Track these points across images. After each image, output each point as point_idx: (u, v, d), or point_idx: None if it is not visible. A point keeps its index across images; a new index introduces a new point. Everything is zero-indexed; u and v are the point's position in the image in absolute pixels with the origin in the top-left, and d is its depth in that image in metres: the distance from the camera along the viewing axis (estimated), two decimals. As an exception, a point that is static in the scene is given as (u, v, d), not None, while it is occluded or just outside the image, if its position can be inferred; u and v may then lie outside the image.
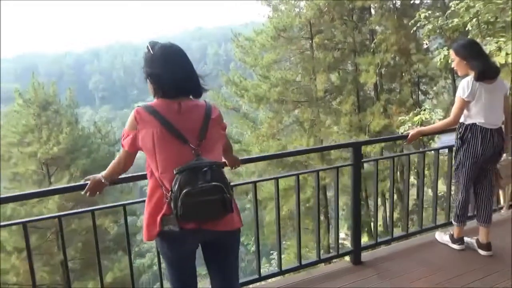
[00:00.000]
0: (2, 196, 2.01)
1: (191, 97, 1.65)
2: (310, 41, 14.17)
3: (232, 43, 15.68)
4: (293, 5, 14.33)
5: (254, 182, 2.61)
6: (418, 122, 6.55)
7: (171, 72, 1.61)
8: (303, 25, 14.11)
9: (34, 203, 10.98)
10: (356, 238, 2.92)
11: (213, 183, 1.48)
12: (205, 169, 1.49)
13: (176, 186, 1.47)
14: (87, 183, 1.86)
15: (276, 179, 2.68)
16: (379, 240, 3.22)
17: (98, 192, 1.88)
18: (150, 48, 1.66)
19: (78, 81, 63.09)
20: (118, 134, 17.65)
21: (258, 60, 14.35)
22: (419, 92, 14.81)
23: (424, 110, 7.11)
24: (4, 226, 2.27)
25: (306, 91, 13.98)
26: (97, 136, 12.21)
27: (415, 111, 7.51)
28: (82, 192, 1.87)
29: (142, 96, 75.77)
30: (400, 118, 7.88)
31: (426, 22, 6.90)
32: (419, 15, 7.03)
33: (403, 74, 13.74)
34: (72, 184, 2.76)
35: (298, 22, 13.96)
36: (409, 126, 6.65)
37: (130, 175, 2.11)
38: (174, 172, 1.48)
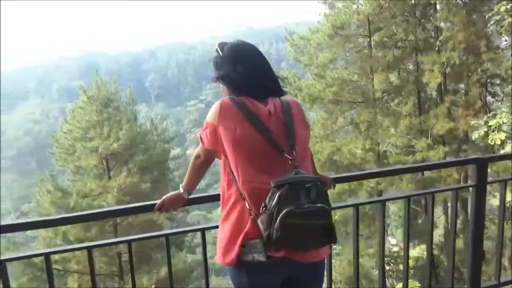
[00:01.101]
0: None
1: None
2: (369, 39, 13.60)
3: (286, 42, 15.45)
4: (351, 1, 13.83)
5: (356, 205, 2.21)
6: (495, 127, 5.94)
7: (245, 71, 1.42)
8: (361, 22, 13.57)
9: (94, 196, 11.51)
10: (474, 276, 2.42)
11: (319, 204, 1.23)
12: (308, 185, 1.23)
13: (273, 202, 1.20)
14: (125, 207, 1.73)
15: (383, 201, 2.30)
16: (502, 280, 2.54)
17: (173, 210, 1.70)
18: (219, 50, 1.49)
19: (136, 79, 65.96)
20: (172, 131, 18.14)
21: (313, 59, 14.01)
22: (486, 94, 13.72)
23: (501, 113, 6.45)
24: (65, 251, 2.22)
25: (363, 91, 13.44)
26: (153, 133, 12.54)
27: (489, 114, 6.84)
28: (154, 210, 1.69)
29: (195, 93, 77.73)
30: (472, 122, 7.23)
31: (506, 16, 6.27)
32: (498, 8, 6.40)
33: (471, 74, 12.77)
34: (84, 212, 2.60)
35: (356, 19, 13.44)
36: (484, 131, 6.06)
37: (209, 194, 1.90)
38: (272, 185, 1.23)
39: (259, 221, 1.26)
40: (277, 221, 1.19)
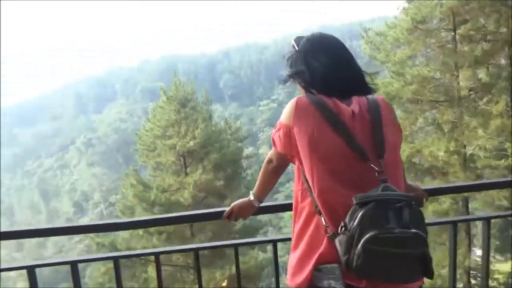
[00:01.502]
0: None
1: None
2: (453, 33, 12.58)
3: (361, 40, 14.90)
4: (434, -6, 12.92)
5: (454, 222, 1.95)
6: None
7: (325, 66, 1.23)
8: (444, 15, 12.61)
9: (172, 192, 12.17)
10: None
11: (413, 230, 1.00)
12: (399, 204, 1.01)
13: (355, 222, 1.01)
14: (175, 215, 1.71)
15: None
16: None
17: (242, 218, 1.59)
18: (295, 45, 1.31)
19: (211, 80, 68.60)
20: (245, 131, 18.50)
21: (390, 56, 13.35)
22: None
23: None
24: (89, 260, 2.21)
25: (446, 90, 12.49)
26: (227, 132, 12.91)
27: None
28: (223, 218, 1.61)
29: (267, 93, 78.63)
30: None
31: None
32: None
33: None
34: (96, 222, 2.59)
35: (438, 12, 12.52)
36: None
37: (281, 203, 1.70)
38: (354, 202, 1.03)
39: (336, 242, 1.08)
40: (359, 246, 1.00)
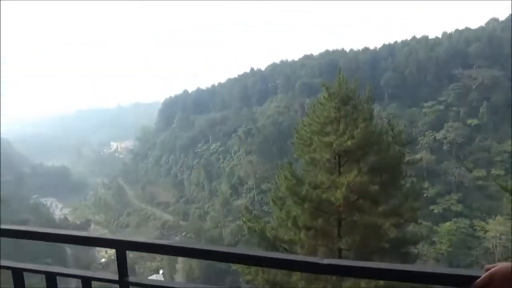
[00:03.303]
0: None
1: None
2: None
3: None
4: None
5: None
6: None
7: None
8: None
9: (324, 189, 11.97)
10: None
11: None
12: None
13: None
14: None
15: None
16: None
17: None
18: None
19: (371, 77, 65.71)
20: (405, 134, 16.94)
21: None
22: None
23: None
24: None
25: None
26: (389, 134, 11.97)
27: None
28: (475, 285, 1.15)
29: (433, 94, 71.26)
30: None
31: None
32: None
33: None
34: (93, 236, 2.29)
35: None
36: None
37: None
38: None
39: None
40: None
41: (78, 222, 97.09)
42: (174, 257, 72.22)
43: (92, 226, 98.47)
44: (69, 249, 77.12)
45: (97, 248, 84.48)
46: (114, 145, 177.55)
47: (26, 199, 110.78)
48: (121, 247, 1.88)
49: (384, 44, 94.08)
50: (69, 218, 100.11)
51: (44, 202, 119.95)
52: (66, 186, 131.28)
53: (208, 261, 62.61)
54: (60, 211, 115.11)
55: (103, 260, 76.06)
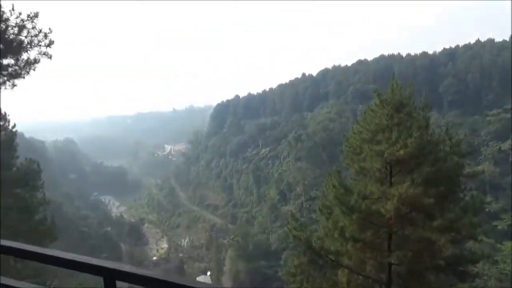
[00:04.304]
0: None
1: None
2: None
3: None
4: None
5: None
6: None
7: None
8: None
9: (373, 200, 11.49)
10: None
11: None
12: None
13: None
14: None
15: None
16: None
17: None
18: None
19: (429, 83, 62.65)
20: (464, 143, 15.85)
21: None
22: None
23: None
24: None
25: None
26: (446, 143, 11.23)
27: None
28: None
29: (499, 101, 66.42)
30: None
31: None
32: None
33: None
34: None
35: None
36: None
37: None
38: None
39: None
40: None
41: (132, 220, 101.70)
42: (221, 259, 73.29)
43: (146, 224, 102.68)
44: (123, 245, 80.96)
45: (149, 246, 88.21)
46: (168, 147, 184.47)
47: (87, 196, 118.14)
48: (109, 274, 1.77)
49: (444, 48, 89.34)
50: (124, 216, 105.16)
51: (103, 200, 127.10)
52: (123, 185, 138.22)
53: (255, 265, 62.93)
54: (116, 209, 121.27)
55: (154, 258, 78.93)
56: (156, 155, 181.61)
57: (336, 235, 11.56)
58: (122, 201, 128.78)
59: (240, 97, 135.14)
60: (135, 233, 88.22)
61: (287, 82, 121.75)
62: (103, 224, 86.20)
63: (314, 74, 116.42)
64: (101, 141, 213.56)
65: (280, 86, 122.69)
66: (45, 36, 10.20)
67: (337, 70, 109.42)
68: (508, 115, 63.62)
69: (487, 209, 44.85)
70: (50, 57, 10.69)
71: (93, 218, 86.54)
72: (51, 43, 10.50)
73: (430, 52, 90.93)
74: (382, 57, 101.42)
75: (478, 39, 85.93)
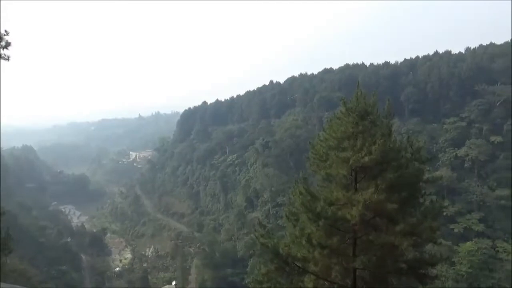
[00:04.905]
0: None
1: None
2: None
3: None
4: None
5: None
6: None
7: None
8: None
9: (339, 206, 11.63)
10: None
11: None
12: None
13: None
14: None
15: None
16: None
17: None
18: None
19: (391, 93, 64.81)
20: (424, 150, 16.45)
21: None
22: None
23: None
24: None
25: None
26: (408, 150, 11.61)
27: None
28: None
29: (455, 110, 69.75)
30: None
31: None
32: None
33: None
34: None
35: None
36: None
37: None
38: None
39: None
40: None
41: (94, 230, 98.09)
42: (187, 268, 71.95)
43: (108, 234, 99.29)
44: (84, 256, 77.84)
45: (112, 256, 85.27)
46: (133, 154, 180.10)
47: (46, 206, 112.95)
48: None
49: (405, 59, 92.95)
50: (86, 226, 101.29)
51: (63, 210, 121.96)
52: (84, 194, 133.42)
53: (221, 273, 62.19)
54: (77, 218, 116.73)
55: (117, 269, 76.40)
56: (120, 162, 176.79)
57: (303, 242, 11.59)
58: (84, 210, 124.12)
59: (208, 103, 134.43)
60: (97, 243, 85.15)
61: (255, 89, 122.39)
62: (62, 235, 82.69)
63: (282, 81, 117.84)
64: (63, 148, 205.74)
65: (248, 93, 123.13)
66: (0, 38, 9.72)
67: (304, 78, 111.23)
68: (464, 123, 66.91)
69: (444, 213, 46.67)
70: (8, 59, 10.22)
71: (51, 228, 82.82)
72: (7, 44, 10.04)
73: (392, 62, 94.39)
74: (347, 66, 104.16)
75: (437, 51, 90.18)
